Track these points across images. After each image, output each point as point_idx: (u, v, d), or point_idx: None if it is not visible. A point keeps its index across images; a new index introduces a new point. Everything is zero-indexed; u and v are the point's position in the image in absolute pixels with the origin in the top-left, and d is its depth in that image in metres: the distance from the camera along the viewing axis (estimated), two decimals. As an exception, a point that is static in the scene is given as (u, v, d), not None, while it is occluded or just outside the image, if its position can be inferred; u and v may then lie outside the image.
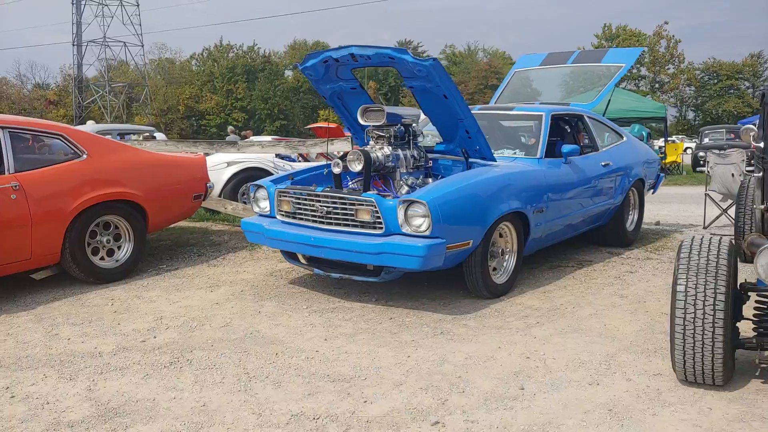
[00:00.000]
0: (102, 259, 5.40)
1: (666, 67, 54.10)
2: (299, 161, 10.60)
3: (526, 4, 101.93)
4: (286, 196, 4.89)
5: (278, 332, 4.19)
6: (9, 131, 4.93)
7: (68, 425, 3.06)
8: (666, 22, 61.71)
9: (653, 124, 20.86)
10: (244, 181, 8.53)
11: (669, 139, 22.78)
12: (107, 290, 5.20)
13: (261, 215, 5.19)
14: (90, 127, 13.38)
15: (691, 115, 57.35)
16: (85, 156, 5.26)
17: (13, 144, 4.93)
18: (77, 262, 5.16)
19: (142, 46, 50.80)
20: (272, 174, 8.71)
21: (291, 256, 5.08)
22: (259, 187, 5.15)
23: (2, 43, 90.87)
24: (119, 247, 5.51)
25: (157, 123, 44.21)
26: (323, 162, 10.48)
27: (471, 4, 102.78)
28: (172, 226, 6.92)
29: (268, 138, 12.66)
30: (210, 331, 4.25)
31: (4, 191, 4.72)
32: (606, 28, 53.87)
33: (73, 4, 48.76)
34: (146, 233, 5.66)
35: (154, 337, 4.16)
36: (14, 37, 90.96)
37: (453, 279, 5.09)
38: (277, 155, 9.25)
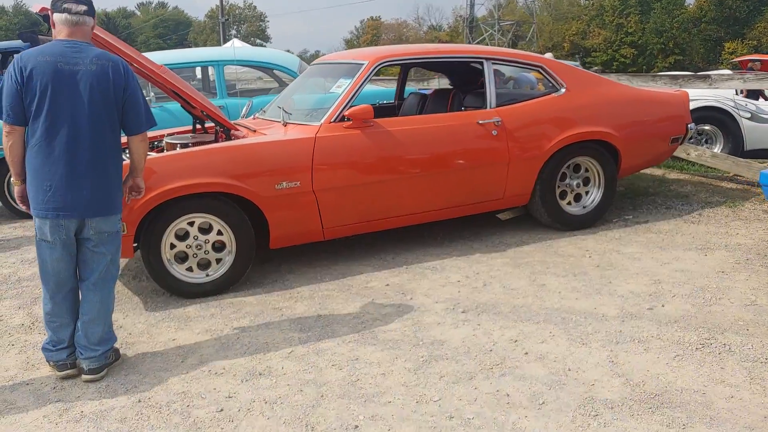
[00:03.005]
0: (569, 204, 4.93)
1: None
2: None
3: None
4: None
5: (839, 326, 3.14)
6: (492, 63, 4.68)
7: (606, 405, 2.57)
8: None
9: None
10: (698, 122, 7.30)
11: None
12: (576, 239, 4.71)
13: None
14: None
15: None
16: (563, 90, 4.77)
17: (495, 77, 4.67)
18: (546, 205, 4.77)
19: (534, -19, 50.77)
20: (732, 115, 7.34)
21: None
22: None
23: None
24: (587, 193, 4.97)
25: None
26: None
27: None
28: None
29: (727, 71, 10.94)
30: (732, 308, 3.41)
31: (487, 127, 4.48)
32: None
33: (471, -58, 50.78)
34: (617, 179, 5.00)
35: (662, 306, 3.48)
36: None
37: None
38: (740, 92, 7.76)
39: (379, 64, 4.35)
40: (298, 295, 3.94)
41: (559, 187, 4.83)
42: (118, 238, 3.02)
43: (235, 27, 67.94)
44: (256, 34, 70.15)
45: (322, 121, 4.13)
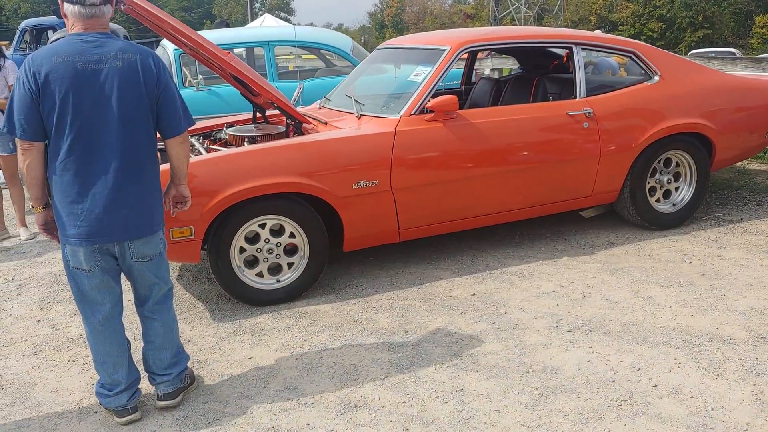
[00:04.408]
0: (657, 201, 4.53)
1: None
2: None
3: None
4: None
5: None
6: (582, 48, 4.25)
7: (769, 459, 2.22)
8: None
9: None
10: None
11: None
12: (669, 240, 4.32)
13: None
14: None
15: None
16: (657, 78, 4.34)
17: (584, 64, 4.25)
18: (636, 202, 4.38)
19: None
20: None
21: None
22: None
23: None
24: (677, 189, 4.57)
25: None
26: None
27: None
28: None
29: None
30: None
31: (577, 119, 4.08)
32: None
33: None
34: (709, 175, 4.59)
35: (795, 328, 3.11)
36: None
37: None
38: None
39: (462, 50, 3.95)
40: (377, 304, 3.60)
41: (648, 183, 4.43)
42: (164, 259, 2.63)
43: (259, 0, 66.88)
44: (281, 7, 68.99)
45: (401, 113, 3.76)
